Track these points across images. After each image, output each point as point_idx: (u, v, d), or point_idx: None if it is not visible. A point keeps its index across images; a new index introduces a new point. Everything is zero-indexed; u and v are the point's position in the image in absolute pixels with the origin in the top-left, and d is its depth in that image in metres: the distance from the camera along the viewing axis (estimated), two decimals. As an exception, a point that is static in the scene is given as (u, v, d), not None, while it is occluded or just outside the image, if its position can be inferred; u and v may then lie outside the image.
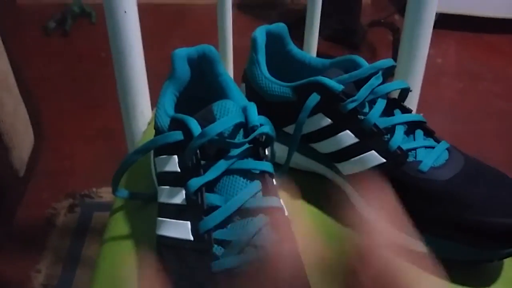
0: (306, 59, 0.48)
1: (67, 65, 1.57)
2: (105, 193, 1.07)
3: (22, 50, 1.53)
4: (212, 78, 0.41)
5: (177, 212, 0.35)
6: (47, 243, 0.98)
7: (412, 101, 0.61)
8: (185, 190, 0.35)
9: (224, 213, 0.33)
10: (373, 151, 0.41)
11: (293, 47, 0.48)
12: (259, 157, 0.36)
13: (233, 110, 0.36)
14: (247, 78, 0.47)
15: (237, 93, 0.41)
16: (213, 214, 0.33)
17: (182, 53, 0.41)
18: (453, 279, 0.40)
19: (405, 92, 0.44)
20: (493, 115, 1.43)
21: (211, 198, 0.34)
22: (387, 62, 0.43)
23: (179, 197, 0.35)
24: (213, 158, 0.35)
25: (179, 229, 0.35)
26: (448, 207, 0.39)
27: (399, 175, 0.40)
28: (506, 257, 0.39)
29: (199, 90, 0.42)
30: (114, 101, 0.54)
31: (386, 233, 0.42)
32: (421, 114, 0.44)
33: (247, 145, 0.36)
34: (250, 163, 0.35)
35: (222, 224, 0.33)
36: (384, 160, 0.41)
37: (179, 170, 0.36)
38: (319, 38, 0.64)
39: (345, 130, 0.42)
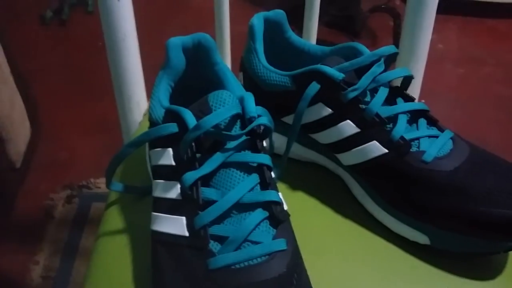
0: (306, 47, 0.46)
1: (64, 55, 1.55)
2: (103, 184, 1.06)
3: (18, 40, 1.51)
4: (208, 67, 0.40)
5: (172, 207, 0.34)
6: (45, 234, 0.97)
7: (414, 89, 0.59)
8: (180, 184, 0.33)
9: (221, 208, 0.32)
10: (375, 141, 0.40)
11: (291, 34, 0.47)
12: (256, 149, 0.35)
13: (229, 100, 0.34)
14: (244, 67, 0.46)
15: (235, 83, 0.40)
16: (209, 209, 0.32)
17: (177, 42, 0.39)
18: (457, 272, 0.39)
19: (407, 80, 0.42)
20: (494, 100, 1.41)
21: (207, 192, 0.33)
22: (389, 49, 0.41)
23: (174, 192, 0.34)
24: (209, 150, 0.34)
25: (174, 225, 0.33)
26: (453, 198, 0.38)
27: (402, 165, 0.39)
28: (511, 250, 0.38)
29: (194, 80, 0.41)
30: (111, 92, 0.53)
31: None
32: (423, 101, 0.43)
33: (244, 137, 0.34)
34: (248, 156, 0.34)
35: (219, 220, 0.32)
36: (387, 151, 0.40)
37: (174, 163, 0.35)
38: (318, 25, 0.62)
39: (346, 119, 0.41)
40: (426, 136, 0.40)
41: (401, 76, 0.42)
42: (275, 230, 0.33)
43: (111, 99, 0.54)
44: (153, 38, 0.88)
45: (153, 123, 0.38)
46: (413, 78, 0.42)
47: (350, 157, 0.42)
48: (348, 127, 0.41)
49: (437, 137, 0.40)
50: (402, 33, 0.56)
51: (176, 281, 0.32)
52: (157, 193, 0.36)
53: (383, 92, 0.41)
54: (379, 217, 0.42)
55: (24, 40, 1.56)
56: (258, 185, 0.34)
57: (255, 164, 0.34)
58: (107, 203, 0.45)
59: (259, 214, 0.33)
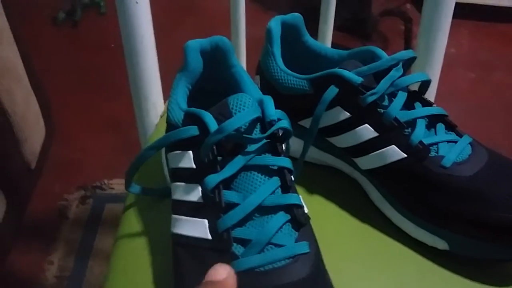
0: (322, 51, 0.46)
1: (76, 56, 1.56)
2: (117, 185, 1.07)
3: (31, 41, 1.53)
4: (226, 70, 0.40)
5: (193, 210, 0.34)
6: (59, 234, 0.98)
7: (430, 94, 0.59)
8: (202, 187, 0.34)
9: (243, 211, 0.32)
10: (393, 145, 0.40)
11: (309, 38, 0.47)
12: (277, 152, 0.35)
13: (249, 104, 0.35)
14: (261, 70, 0.46)
15: (251, 86, 0.40)
16: (232, 212, 0.32)
17: (195, 44, 0.40)
18: (476, 278, 0.39)
19: (425, 84, 0.42)
20: (506, 105, 1.41)
21: (228, 195, 0.33)
22: (407, 53, 0.41)
23: (195, 194, 0.34)
24: (229, 153, 0.34)
25: (196, 228, 0.34)
26: (472, 204, 0.37)
27: (421, 170, 0.39)
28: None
29: (212, 83, 0.41)
30: (124, 92, 0.54)
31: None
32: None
33: (264, 140, 0.35)
34: (268, 159, 0.34)
35: (241, 222, 0.32)
36: (405, 155, 0.40)
37: (194, 166, 0.35)
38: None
39: (364, 124, 0.41)
40: (445, 141, 0.40)
41: (420, 81, 0.42)
42: (297, 233, 0.33)
43: (124, 100, 0.55)
44: (168, 40, 0.89)
45: (171, 125, 0.39)
46: (430, 82, 0.42)
47: (368, 162, 0.42)
48: (366, 131, 0.41)
49: (455, 142, 0.40)
50: (418, 38, 0.56)
51: (197, 283, 0.32)
52: (177, 195, 0.36)
53: (401, 97, 0.41)
54: (397, 222, 0.42)
55: (37, 41, 1.58)
56: (279, 188, 0.34)
57: (275, 167, 0.34)
58: (125, 205, 0.45)
59: (281, 217, 0.33)
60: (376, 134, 0.41)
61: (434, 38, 0.55)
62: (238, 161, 0.33)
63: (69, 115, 1.29)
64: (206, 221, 0.33)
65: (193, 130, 0.35)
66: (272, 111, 0.35)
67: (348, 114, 0.41)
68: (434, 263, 0.40)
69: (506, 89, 1.47)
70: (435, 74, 0.58)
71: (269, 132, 0.34)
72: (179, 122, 0.37)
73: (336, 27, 0.64)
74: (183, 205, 0.35)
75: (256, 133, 0.35)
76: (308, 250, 0.32)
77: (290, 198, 0.34)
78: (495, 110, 1.39)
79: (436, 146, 0.40)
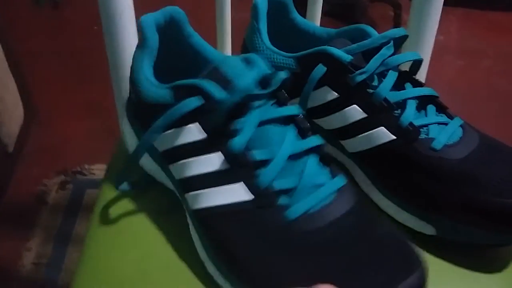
0: (311, 29, 0.44)
1: (58, 38, 1.52)
2: (98, 170, 1.04)
3: (11, 23, 1.48)
4: (183, 41, 0.40)
5: (219, 179, 0.34)
6: (38, 220, 0.95)
7: (421, 76, 0.58)
8: (225, 153, 0.33)
9: (279, 163, 0.33)
10: (382, 127, 0.39)
11: (296, 16, 0.45)
12: (282, 102, 0.35)
13: (240, 65, 0.34)
14: (246, 47, 0.44)
15: (213, 51, 0.40)
16: (269, 166, 0.33)
17: (150, 19, 0.38)
18: (463, 263, 0.38)
19: (417, 64, 0.41)
20: (493, 93, 1.41)
21: (256, 153, 0.33)
22: (398, 31, 0.40)
23: (215, 163, 0.34)
24: (238, 115, 0.34)
25: (232, 193, 0.33)
26: (462, 188, 0.36)
27: (410, 153, 0.38)
28: (521, 241, 0.37)
29: (172, 58, 0.40)
30: (106, 76, 0.51)
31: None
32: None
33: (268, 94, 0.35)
34: (279, 111, 0.34)
35: (280, 174, 0.33)
36: (394, 137, 0.38)
37: (205, 136, 0.34)
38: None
39: (352, 104, 0.39)
40: (435, 123, 0.39)
41: (411, 60, 0.40)
42: (328, 168, 0.35)
43: (105, 84, 0.53)
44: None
45: (149, 105, 0.37)
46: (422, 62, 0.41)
47: (355, 144, 0.40)
48: (355, 112, 0.39)
49: (446, 124, 0.39)
50: (409, 21, 0.55)
51: (252, 246, 0.32)
52: (189, 172, 0.35)
53: (392, 76, 0.39)
54: (384, 206, 0.41)
55: (16, 23, 1.53)
56: (298, 134, 0.35)
57: (288, 116, 0.35)
58: (100, 190, 0.43)
59: (313, 159, 0.34)
60: (364, 115, 0.39)
61: (425, 18, 0.54)
62: (253, 119, 0.33)
63: (49, 99, 1.26)
64: (241, 183, 0.33)
65: (198, 101, 0.34)
66: (266, 66, 0.35)
67: (336, 94, 0.39)
68: (421, 249, 0.39)
69: (495, 77, 1.47)
70: (426, 55, 0.56)
71: (277, 84, 0.34)
72: (160, 99, 0.36)
73: (324, 13, 0.62)
74: (203, 178, 0.35)
75: (259, 89, 0.34)
76: (346, 181, 0.34)
77: (313, 141, 0.35)
78: (483, 97, 1.39)
79: (427, 128, 0.38)
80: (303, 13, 0.59)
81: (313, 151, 0.34)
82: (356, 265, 0.30)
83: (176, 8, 0.39)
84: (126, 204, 0.41)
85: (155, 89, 0.36)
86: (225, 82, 0.34)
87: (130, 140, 0.42)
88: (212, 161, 0.34)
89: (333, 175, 0.34)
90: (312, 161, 0.34)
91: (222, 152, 0.34)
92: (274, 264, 0.32)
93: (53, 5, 1.65)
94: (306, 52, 0.40)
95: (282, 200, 0.33)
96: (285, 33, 0.45)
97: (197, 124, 0.34)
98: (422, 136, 0.38)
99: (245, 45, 0.44)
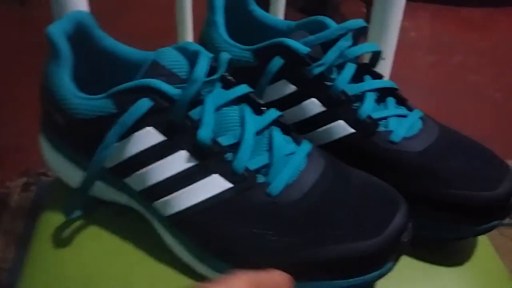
0: (270, 21, 0.43)
1: (24, 35, 1.48)
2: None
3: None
4: (96, 45, 0.38)
5: (192, 175, 0.33)
6: None
7: (385, 71, 0.57)
8: (190, 149, 0.33)
9: (249, 144, 0.33)
10: (341, 120, 0.38)
11: (255, 8, 0.44)
12: (231, 83, 0.35)
13: (179, 56, 0.33)
14: (203, 41, 0.43)
15: (131, 50, 0.38)
16: (241, 149, 0.32)
17: (58, 28, 0.36)
18: (423, 258, 0.38)
19: (376, 56, 0.40)
20: (465, 88, 1.42)
21: (222, 139, 0.33)
22: (357, 22, 0.39)
23: (183, 161, 0.33)
24: (192, 106, 0.33)
25: (208, 187, 0.33)
26: (422, 181, 0.36)
27: (369, 146, 0.37)
28: (483, 233, 0.37)
29: (86, 63, 0.38)
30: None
31: None
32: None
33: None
34: (232, 92, 0.34)
35: (251, 155, 0.33)
36: (353, 131, 0.38)
37: (163, 138, 0.33)
38: (291, 10, 0.60)
39: (310, 97, 0.38)
40: (394, 116, 0.38)
41: (370, 51, 0.39)
42: (290, 137, 0.35)
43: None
44: (119, 23, 0.83)
45: (88, 121, 0.34)
46: (383, 55, 0.40)
47: (314, 138, 0.39)
48: (313, 106, 0.38)
49: (405, 116, 0.38)
50: (372, 12, 0.54)
51: (242, 232, 0.32)
52: (153, 179, 0.33)
53: (350, 68, 0.38)
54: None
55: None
56: (254, 111, 0.35)
57: (241, 96, 0.35)
58: (49, 194, 0.42)
59: (276, 131, 0.34)
60: (323, 108, 0.38)
61: (389, 11, 0.53)
62: (209, 106, 0.33)
63: (11, 97, 1.22)
64: (216, 175, 0.33)
65: (148, 102, 0.32)
66: (206, 51, 0.34)
67: (294, 87, 0.39)
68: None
69: (466, 73, 1.48)
70: (390, 49, 0.56)
71: (224, 66, 0.34)
72: (102, 110, 0.34)
73: (297, 9, 0.61)
74: (171, 182, 0.33)
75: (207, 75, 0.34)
76: (311, 144, 0.35)
77: (271, 114, 0.35)
78: (455, 93, 1.40)
79: (386, 120, 0.38)
80: (267, 8, 0.58)
81: (273, 124, 0.35)
82: (346, 218, 0.32)
83: (81, 12, 0.37)
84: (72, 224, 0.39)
85: (89, 102, 0.34)
86: (171, 77, 0.32)
87: (64, 170, 0.38)
88: (177, 162, 0.33)
89: (298, 142, 0.35)
90: (276, 134, 0.34)
91: (186, 150, 0.33)
92: (268, 242, 0.31)
93: (20, 2, 1.61)
94: (263, 44, 0.38)
95: (260, 178, 0.33)
96: (243, 26, 0.44)
97: (151, 128, 0.33)
98: (381, 128, 0.37)
99: (202, 38, 0.43)
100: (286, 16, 0.58)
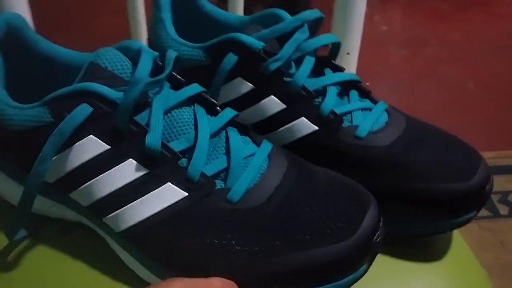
0: (221, 16, 0.41)
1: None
2: None
3: None
4: (30, 48, 0.35)
5: (144, 186, 0.30)
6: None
7: (351, 66, 0.55)
8: (138, 157, 0.30)
9: (203, 148, 0.30)
10: (303, 117, 0.36)
11: (205, 3, 0.41)
12: (180, 83, 0.32)
13: (119, 56, 0.31)
14: (150, 41, 0.40)
15: (68, 52, 0.36)
16: (195, 154, 0.30)
17: None
18: (401, 255, 0.36)
19: (336, 47, 0.38)
20: (438, 80, 1.42)
21: (174, 145, 0.30)
22: (312, 13, 0.37)
23: (130, 172, 0.30)
24: (138, 110, 0.30)
25: (164, 196, 0.30)
26: (392, 177, 0.34)
27: (334, 143, 0.35)
28: (460, 226, 0.35)
29: (19, 69, 0.36)
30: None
31: None
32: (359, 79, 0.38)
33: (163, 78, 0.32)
34: (181, 93, 0.31)
35: (207, 159, 0.31)
36: (316, 128, 0.35)
37: (106, 146, 0.30)
38: (260, 6, 0.57)
39: (269, 95, 0.36)
40: (358, 109, 0.36)
41: (328, 43, 0.37)
42: (249, 137, 0.33)
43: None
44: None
45: (22, 132, 0.31)
46: (347, 49, 0.38)
47: (276, 138, 0.37)
48: (272, 104, 0.36)
49: (370, 109, 0.36)
50: (334, 5, 0.52)
51: (203, 243, 0.29)
52: (100, 192, 0.31)
53: (309, 62, 0.36)
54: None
55: None
56: (207, 111, 0.32)
57: (192, 96, 0.32)
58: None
59: (233, 132, 0.32)
60: (283, 106, 0.36)
61: (351, 7, 0.52)
62: (157, 110, 0.30)
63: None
64: (169, 183, 0.30)
65: (86, 108, 0.29)
66: (149, 49, 0.32)
67: (251, 85, 0.36)
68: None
69: (439, 65, 1.48)
70: (354, 43, 0.54)
71: (170, 65, 0.31)
72: (36, 120, 0.31)
73: (266, 5, 0.59)
74: (120, 194, 0.30)
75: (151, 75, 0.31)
76: (272, 144, 0.33)
77: (226, 115, 0.32)
78: (428, 86, 1.40)
79: (350, 115, 0.36)
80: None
81: (229, 125, 0.32)
82: (314, 221, 0.30)
83: (12, 13, 0.34)
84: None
85: (23, 112, 0.31)
86: (112, 79, 0.30)
87: (5, 188, 0.36)
88: (125, 172, 0.30)
89: (257, 143, 0.33)
90: (233, 135, 0.32)
91: (133, 158, 0.30)
92: (232, 252, 0.29)
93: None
94: (214, 41, 0.36)
95: (219, 184, 0.30)
96: (193, 23, 0.41)
97: (92, 136, 0.30)
98: (346, 124, 0.35)
99: (149, 37, 0.40)
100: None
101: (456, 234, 0.38)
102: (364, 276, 0.30)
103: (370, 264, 0.31)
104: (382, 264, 0.35)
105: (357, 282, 0.30)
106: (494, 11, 1.77)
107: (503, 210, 1.02)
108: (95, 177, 0.30)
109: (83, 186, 0.31)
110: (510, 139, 1.23)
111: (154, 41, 0.39)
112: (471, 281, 0.36)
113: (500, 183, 1.09)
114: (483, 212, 1.01)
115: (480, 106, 1.32)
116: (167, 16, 0.38)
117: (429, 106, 1.29)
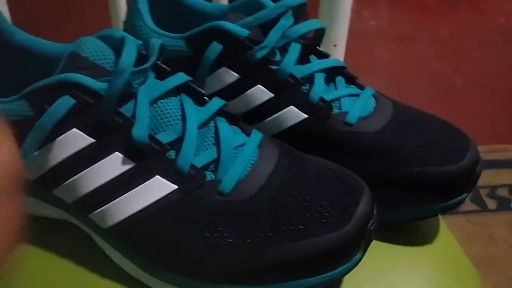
0: (199, 5, 0.40)
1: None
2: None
3: None
4: (6, 40, 0.34)
5: (131, 179, 0.29)
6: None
7: (338, 58, 0.55)
8: (124, 150, 0.29)
9: (192, 138, 0.29)
10: (291, 106, 0.35)
11: (183, -8, 0.40)
12: (165, 73, 0.31)
13: (101, 45, 0.30)
14: (127, 33, 0.39)
15: (46, 43, 0.34)
16: (184, 145, 0.29)
17: None
18: (393, 240, 0.35)
19: (320, 34, 0.37)
20: (427, 76, 1.42)
21: (162, 136, 0.29)
22: (297, -2, 0.36)
23: (116, 166, 0.29)
24: (122, 101, 0.29)
25: (151, 191, 0.29)
26: (383, 161, 0.33)
27: (324, 131, 0.34)
28: (450, 210, 0.34)
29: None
30: None
31: None
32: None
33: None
34: (167, 82, 0.31)
35: (196, 151, 0.30)
36: (306, 116, 0.35)
37: (91, 140, 0.29)
38: None
39: (256, 84, 0.35)
40: (346, 95, 0.35)
41: (313, 29, 0.37)
42: (238, 127, 0.32)
43: None
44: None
45: None
46: (334, 41, 0.38)
47: (265, 128, 0.36)
48: (260, 93, 0.35)
49: (358, 95, 0.36)
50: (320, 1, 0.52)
51: (194, 237, 0.29)
52: (85, 188, 0.30)
53: (295, 49, 0.35)
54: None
55: None
56: (195, 101, 0.32)
57: (178, 86, 0.31)
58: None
59: (222, 122, 0.31)
60: (271, 95, 0.35)
61: (336, 3, 0.51)
62: (143, 100, 0.29)
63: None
64: (157, 177, 0.29)
65: (69, 100, 0.28)
66: (133, 38, 0.31)
67: (237, 75, 0.35)
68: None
69: (427, 60, 1.49)
70: (341, 39, 0.53)
71: (155, 53, 0.30)
72: (15, 114, 0.30)
73: None
74: (107, 189, 0.29)
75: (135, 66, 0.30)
76: (262, 134, 0.32)
77: (215, 103, 0.32)
78: (417, 81, 1.40)
79: (338, 101, 0.35)
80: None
81: (218, 114, 0.32)
82: (307, 210, 0.29)
83: None
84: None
85: (1, 105, 0.30)
86: (95, 69, 0.29)
87: None
88: (111, 166, 0.29)
89: (247, 133, 0.32)
90: (222, 125, 0.31)
91: (119, 151, 0.29)
92: (225, 245, 0.28)
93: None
94: (196, 30, 0.35)
95: (209, 175, 0.29)
96: (170, 13, 0.40)
97: (76, 129, 0.29)
98: (335, 111, 0.35)
99: (125, 30, 0.39)
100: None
101: (444, 228, 0.38)
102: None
103: (364, 252, 0.30)
104: (376, 247, 0.34)
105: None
106: (482, 6, 1.78)
107: (491, 204, 1.02)
108: (79, 172, 0.29)
109: (67, 182, 0.30)
110: (498, 133, 1.23)
111: (131, 34, 0.38)
112: (459, 275, 0.36)
113: (488, 177, 1.08)
114: (472, 206, 1.00)
115: (468, 101, 1.32)
116: (144, 6, 0.37)
117: (417, 101, 1.29)
